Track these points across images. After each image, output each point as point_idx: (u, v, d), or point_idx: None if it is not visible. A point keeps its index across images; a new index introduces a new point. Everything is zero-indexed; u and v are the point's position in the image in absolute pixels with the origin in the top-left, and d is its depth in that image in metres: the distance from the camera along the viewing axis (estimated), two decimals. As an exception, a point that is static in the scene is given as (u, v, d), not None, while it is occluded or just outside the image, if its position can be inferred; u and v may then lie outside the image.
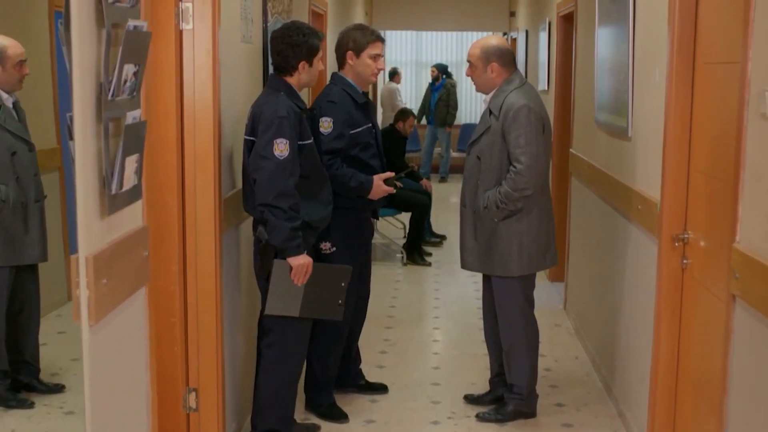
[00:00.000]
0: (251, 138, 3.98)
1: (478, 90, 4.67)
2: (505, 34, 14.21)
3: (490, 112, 4.47)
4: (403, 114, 9.39)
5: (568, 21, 7.38)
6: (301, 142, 3.98)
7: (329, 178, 4.34)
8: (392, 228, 9.74)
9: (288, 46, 4.08)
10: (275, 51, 4.12)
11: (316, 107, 4.60)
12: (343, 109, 4.57)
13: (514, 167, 4.32)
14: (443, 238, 9.56)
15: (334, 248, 4.63)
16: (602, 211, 5.39)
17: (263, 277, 4.03)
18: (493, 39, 4.64)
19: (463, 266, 4.68)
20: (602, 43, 5.47)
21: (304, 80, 4.16)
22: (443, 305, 7.17)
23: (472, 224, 4.55)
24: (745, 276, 2.86)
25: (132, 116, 2.71)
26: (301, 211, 3.96)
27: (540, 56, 9.09)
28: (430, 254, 8.85)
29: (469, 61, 4.60)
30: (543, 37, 8.80)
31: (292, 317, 4.06)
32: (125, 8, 2.66)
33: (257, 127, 3.93)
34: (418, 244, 8.68)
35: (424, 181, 9.20)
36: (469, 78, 4.63)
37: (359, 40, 4.68)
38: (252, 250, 4.21)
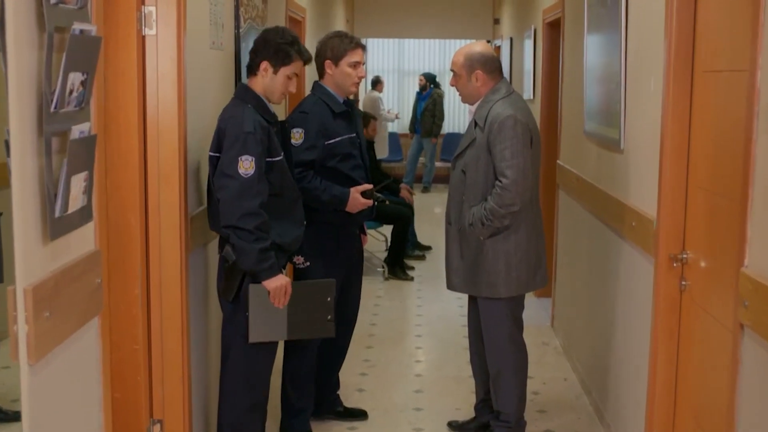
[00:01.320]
0: (216, 154, 3.70)
1: (463, 101, 4.44)
2: (489, 41, 13.99)
3: (476, 124, 4.23)
4: (364, 120, 9.09)
5: (554, 28, 7.16)
6: (269, 159, 3.71)
7: (301, 191, 4.11)
8: (374, 241, 9.46)
9: (260, 42, 3.85)
10: (252, 47, 3.89)
11: (289, 119, 4.36)
12: (316, 119, 4.35)
13: (500, 182, 4.07)
14: (428, 249, 9.30)
15: (308, 263, 4.41)
16: (592, 225, 5.15)
17: (228, 300, 3.75)
18: (477, 45, 4.39)
19: (449, 287, 4.43)
20: (591, 50, 5.24)
21: (266, 86, 3.84)
22: (426, 322, 6.91)
23: (458, 242, 4.30)
24: (756, 304, 2.61)
25: (79, 130, 2.44)
26: (272, 232, 3.69)
27: (525, 64, 8.87)
28: (412, 268, 8.60)
29: (452, 70, 4.37)
30: (528, 44, 8.58)
31: (250, 343, 3.77)
32: (71, 10, 2.39)
33: (222, 143, 3.66)
34: (400, 258, 8.43)
35: (403, 192, 8.96)
36: (454, 88, 4.38)
37: (338, 47, 4.44)
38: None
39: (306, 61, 3.93)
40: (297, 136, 4.28)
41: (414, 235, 9.24)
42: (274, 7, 5.93)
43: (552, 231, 6.59)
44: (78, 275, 2.56)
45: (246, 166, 3.58)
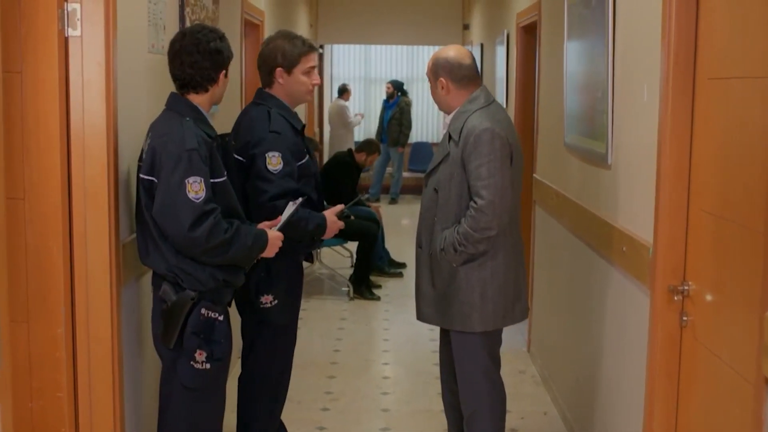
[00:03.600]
0: (149, 177, 3.18)
1: (439, 109, 4.01)
2: (458, 48, 13.60)
3: (449, 137, 3.79)
4: (370, 147, 8.74)
5: (529, 32, 6.76)
6: (212, 180, 3.21)
7: (286, 225, 3.63)
8: (338, 257, 9.02)
9: (206, 55, 3.30)
10: (187, 63, 3.30)
11: (248, 137, 3.82)
12: (288, 140, 3.83)
13: (475, 203, 3.64)
14: (403, 266, 8.86)
15: (276, 301, 3.92)
16: (574, 247, 4.72)
17: (168, 347, 3.26)
18: (450, 50, 3.93)
19: (419, 317, 3.98)
20: (572, 55, 4.81)
21: (215, 96, 3.39)
22: (393, 348, 6.45)
23: (429, 268, 3.86)
24: (787, 357, 2.18)
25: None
26: (218, 270, 3.24)
27: (497, 71, 8.45)
28: (379, 286, 8.14)
29: (427, 74, 3.95)
30: (500, 50, 8.17)
31: (193, 388, 3.30)
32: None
33: (158, 164, 3.15)
34: (366, 276, 7.96)
35: (374, 206, 8.56)
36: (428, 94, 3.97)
37: (290, 52, 3.90)
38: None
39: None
40: (274, 162, 3.74)
41: (387, 252, 8.79)
42: (228, 8, 5.45)
43: (529, 250, 6.15)
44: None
45: (196, 189, 3.10)
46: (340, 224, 4.00)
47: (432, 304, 3.87)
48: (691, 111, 3.14)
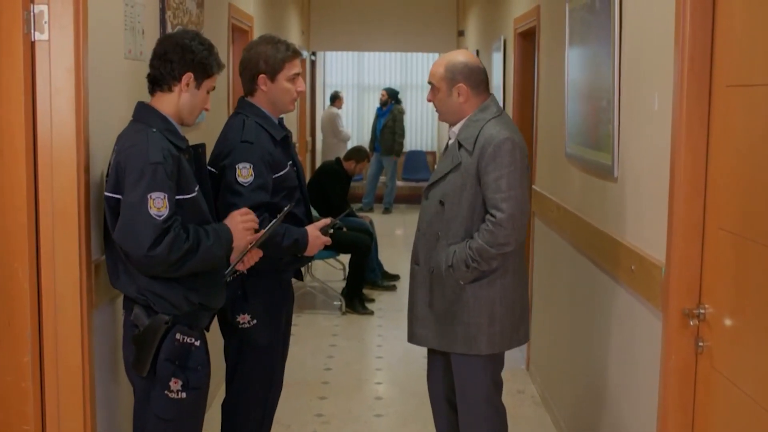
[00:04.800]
0: (114, 195, 2.93)
1: (441, 119, 3.76)
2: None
3: (459, 146, 3.56)
4: (359, 154, 8.50)
5: (527, 38, 6.55)
6: (180, 197, 2.96)
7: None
8: (330, 270, 8.78)
9: (176, 48, 3.06)
10: (157, 55, 3.08)
11: (219, 147, 3.62)
12: (262, 150, 3.60)
13: (493, 216, 3.42)
14: (396, 278, 8.62)
15: (255, 320, 3.69)
16: (576, 262, 4.49)
17: (141, 375, 3.01)
18: (461, 54, 3.69)
19: (412, 339, 3.75)
20: (574, 62, 4.59)
21: (184, 104, 3.11)
22: (387, 366, 6.21)
23: (427, 287, 3.62)
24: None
25: None
26: (192, 292, 3.01)
27: (494, 79, 8.20)
28: (372, 300, 7.89)
29: (430, 82, 3.67)
30: (497, 57, 7.94)
31: (168, 419, 3.05)
32: None
33: (122, 180, 2.90)
34: (359, 290, 7.72)
35: (363, 216, 8.36)
36: (429, 103, 3.72)
37: (273, 58, 3.65)
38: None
39: (220, 71, 3.24)
40: (245, 173, 3.51)
41: (380, 265, 8.56)
42: (214, 13, 5.22)
43: (527, 262, 5.91)
44: None
45: (158, 205, 2.85)
46: (325, 240, 3.77)
47: (429, 325, 3.63)
48: (707, 120, 2.92)
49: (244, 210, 3.25)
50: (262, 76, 3.66)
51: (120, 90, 3.40)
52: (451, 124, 3.67)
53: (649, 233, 3.32)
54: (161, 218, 2.83)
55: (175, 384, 2.98)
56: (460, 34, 12.46)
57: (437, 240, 3.57)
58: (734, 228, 2.73)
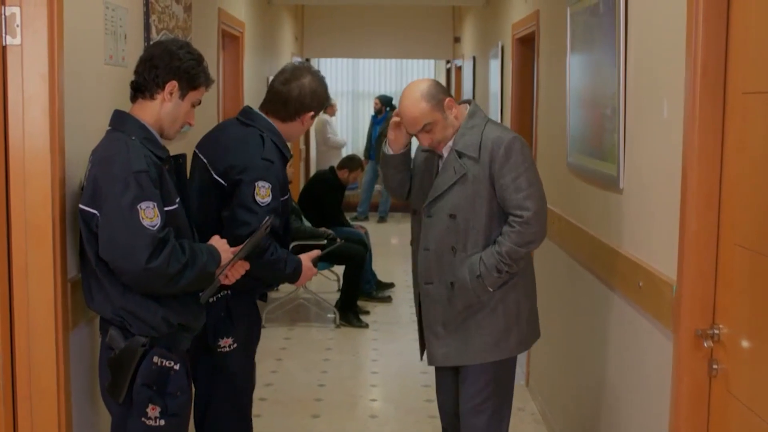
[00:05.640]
0: (90, 209, 2.75)
1: (441, 147, 3.53)
2: (448, 62, 13.24)
3: (459, 155, 3.45)
4: (352, 163, 8.35)
5: (526, 44, 6.38)
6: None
7: (262, 266, 3.33)
8: (325, 281, 8.59)
9: (163, 54, 2.89)
10: (142, 60, 2.92)
11: (234, 160, 3.41)
12: (278, 172, 3.44)
13: (519, 216, 3.37)
14: (391, 286, 8.43)
15: (235, 345, 3.52)
16: (579, 277, 4.32)
17: (117, 400, 2.82)
18: (419, 82, 3.51)
19: (432, 362, 3.60)
20: (576, 68, 4.42)
21: (166, 115, 2.93)
22: (382, 382, 6.02)
23: (446, 304, 3.50)
24: None
25: None
26: (171, 312, 2.82)
27: (491, 86, 8.06)
28: (367, 313, 7.70)
29: (423, 127, 3.44)
30: (494, 64, 7.78)
31: None
32: None
33: (101, 193, 2.72)
34: (354, 302, 7.53)
35: (357, 225, 8.20)
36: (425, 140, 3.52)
37: (321, 95, 3.61)
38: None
39: (209, 86, 3.06)
40: (263, 193, 3.33)
41: (374, 275, 8.37)
42: (202, 17, 5.05)
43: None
44: None
45: (150, 215, 2.67)
46: (315, 271, 3.70)
47: (452, 343, 3.52)
48: (722, 129, 2.75)
49: (222, 241, 3.05)
50: (311, 113, 3.58)
51: (100, 97, 3.23)
52: (444, 145, 3.52)
53: (657, 248, 3.15)
54: (155, 228, 2.66)
55: (153, 410, 2.80)
56: (456, 40, 12.31)
57: (454, 254, 3.46)
58: (751, 244, 2.56)
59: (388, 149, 3.65)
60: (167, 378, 2.83)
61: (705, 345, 2.78)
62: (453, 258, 3.46)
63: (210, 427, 3.60)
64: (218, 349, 3.48)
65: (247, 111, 3.60)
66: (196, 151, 3.56)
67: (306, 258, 3.59)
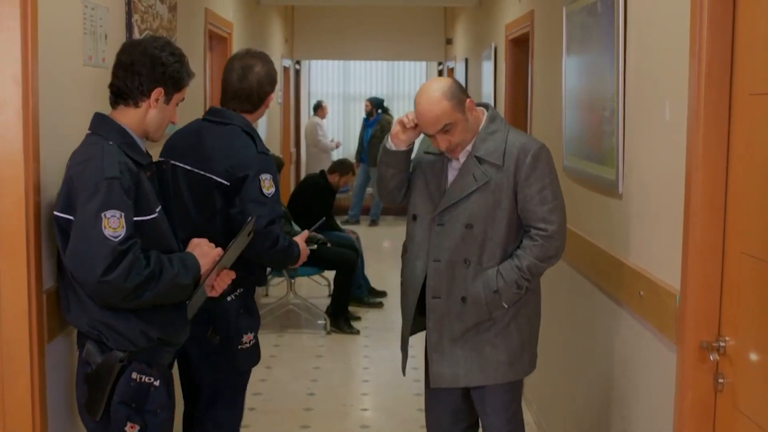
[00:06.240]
0: (64, 215, 2.62)
1: (458, 152, 3.30)
2: (440, 64, 13.12)
3: (479, 161, 3.26)
4: (343, 167, 8.25)
5: (520, 45, 6.27)
6: (138, 218, 2.65)
7: (275, 254, 3.42)
8: (316, 286, 8.46)
9: (145, 60, 2.75)
10: (122, 65, 2.76)
11: (231, 160, 3.41)
12: (273, 162, 3.55)
13: (543, 230, 3.23)
14: (383, 295, 8.30)
15: (255, 338, 3.57)
16: (577, 285, 4.20)
17: (94, 417, 2.69)
18: (437, 81, 3.30)
19: (439, 383, 3.37)
20: (572, 69, 4.31)
21: (151, 121, 2.80)
22: (374, 390, 5.90)
23: (455, 320, 3.29)
24: None
25: None
26: (150, 326, 2.69)
27: (483, 88, 7.94)
28: (358, 318, 7.57)
29: (444, 127, 3.19)
30: (487, 66, 7.67)
31: None
32: None
33: (74, 198, 2.59)
34: (345, 308, 7.40)
35: (348, 230, 8.08)
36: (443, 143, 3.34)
37: (274, 75, 3.66)
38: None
39: (191, 80, 2.95)
40: (267, 184, 3.40)
41: (367, 281, 8.25)
42: (188, 18, 4.92)
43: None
44: None
45: (114, 225, 2.53)
46: (308, 251, 3.77)
47: (460, 362, 3.31)
48: (728, 132, 2.64)
49: (205, 241, 2.92)
50: (271, 94, 3.65)
51: (79, 100, 3.09)
52: (462, 150, 3.31)
53: (659, 256, 3.03)
54: (117, 239, 2.52)
55: (132, 429, 2.67)
56: (448, 42, 12.20)
57: (467, 267, 3.27)
58: (758, 252, 2.45)
59: (391, 144, 3.37)
60: (147, 395, 2.70)
61: (710, 358, 2.66)
62: (466, 271, 3.27)
63: (213, 419, 3.55)
64: (240, 347, 3.46)
65: (218, 111, 3.60)
66: (166, 160, 3.47)
67: (300, 239, 3.66)
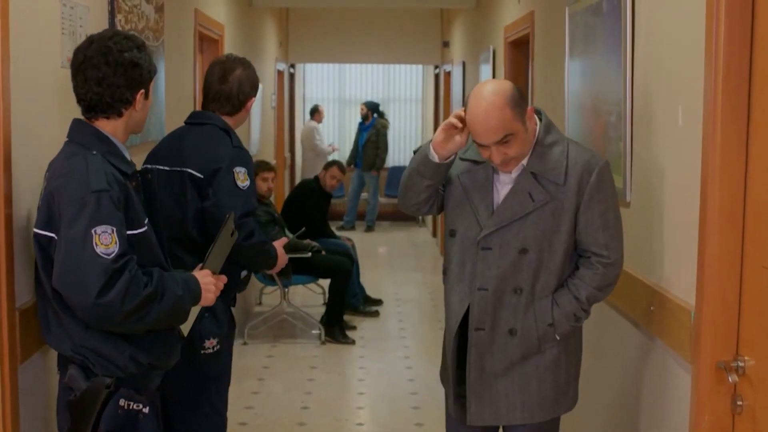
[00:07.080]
0: (45, 233, 2.43)
1: (511, 166, 2.86)
2: (437, 67, 12.96)
3: (536, 177, 2.86)
4: (327, 163, 8.18)
5: (519, 48, 6.12)
6: (129, 232, 2.46)
7: (247, 249, 3.40)
8: (311, 294, 8.29)
9: (118, 69, 2.52)
10: (93, 80, 2.52)
11: (206, 154, 3.44)
12: (249, 158, 3.58)
13: (606, 258, 2.86)
14: (379, 303, 8.13)
15: (218, 345, 3.49)
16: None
17: None
18: (502, 83, 2.84)
19: (476, 421, 2.98)
20: (575, 72, 4.15)
21: (136, 122, 2.64)
22: (369, 403, 5.71)
23: (497, 354, 2.93)
24: None
25: None
26: (140, 351, 2.51)
27: (481, 92, 7.76)
28: (353, 328, 7.39)
29: (503, 138, 2.74)
30: (485, 69, 7.51)
31: None
32: None
33: (57, 215, 2.40)
34: (340, 317, 7.22)
35: (343, 236, 7.93)
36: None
37: (255, 80, 3.69)
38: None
39: None
40: (242, 177, 3.45)
41: (362, 288, 8.08)
42: (176, 19, 4.75)
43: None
44: None
45: (105, 241, 2.34)
46: (286, 258, 3.81)
47: (502, 399, 2.95)
48: (746, 138, 2.47)
49: (207, 272, 2.72)
50: (252, 99, 3.67)
51: (56, 105, 2.93)
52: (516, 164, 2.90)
53: (672, 270, 2.86)
54: (110, 257, 2.32)
55: None
56: (445, 45, 12.02)
57: (518, 296, 2.90)
58: (784, 268, 2.28)
59: (433, 155, 2.90)
60: (135, 423, 2.52)
61: (728, 379, 2.49)
62: (517, 301, 2.90)
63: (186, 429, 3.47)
64: (202, 351, 3.41)
65: (198, 113, 3.68)
66: (147, 167, 3.47)
67: (278, 244, 3.69)
